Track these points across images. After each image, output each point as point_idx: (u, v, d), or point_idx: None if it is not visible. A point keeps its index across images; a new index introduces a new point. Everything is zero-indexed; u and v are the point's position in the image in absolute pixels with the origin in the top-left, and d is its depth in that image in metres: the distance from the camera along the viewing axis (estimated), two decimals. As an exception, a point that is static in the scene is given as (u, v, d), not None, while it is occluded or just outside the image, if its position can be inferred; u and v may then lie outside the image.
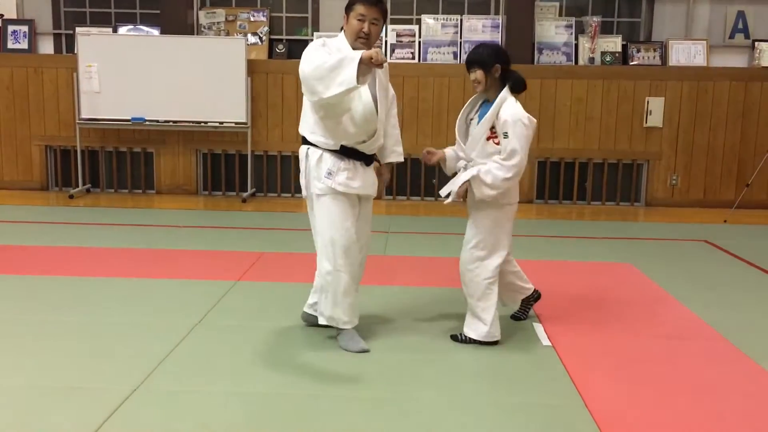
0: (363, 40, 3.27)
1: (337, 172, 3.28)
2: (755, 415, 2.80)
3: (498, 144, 3.33)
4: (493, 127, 3.35)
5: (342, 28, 3.38)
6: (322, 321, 3.45)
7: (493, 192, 3.32)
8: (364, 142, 3.31)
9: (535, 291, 3.83)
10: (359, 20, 3.26)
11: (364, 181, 3.37)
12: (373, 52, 2.98)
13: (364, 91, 3.22)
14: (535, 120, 3.42)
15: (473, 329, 3.47)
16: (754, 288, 4.66)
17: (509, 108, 3.32)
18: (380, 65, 3.00)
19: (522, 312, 3.86)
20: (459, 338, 3.51)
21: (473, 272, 3.43)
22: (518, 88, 3.37)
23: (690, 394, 2.97)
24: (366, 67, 2.99)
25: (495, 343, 3.47)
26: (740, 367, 3.29)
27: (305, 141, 3.37)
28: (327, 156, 3.30)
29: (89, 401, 2.80)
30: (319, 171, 3.30)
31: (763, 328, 3.85)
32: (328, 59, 3.04)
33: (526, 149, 3.31)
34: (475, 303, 3.44)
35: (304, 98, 3.32)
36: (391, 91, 3.59)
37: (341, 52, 3.17)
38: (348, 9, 3.33)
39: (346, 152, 3.30)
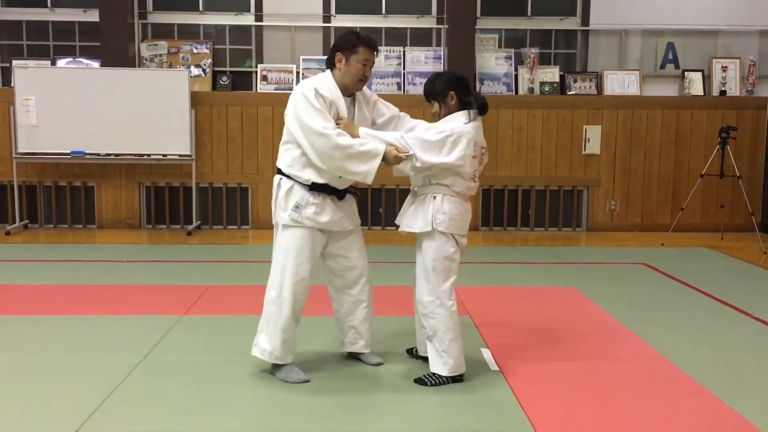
0: (362, 82, 3.39)
1: (305, 206, 3.30)
2: (696, 433, 2.88)
3: None
4: None
5: (330, 66, 3.39)
6: (255, 352, 3.42)
7: (413, 159, 3.24)
8: (340, 177, 3.33)
9: None
10: (363, 64, 3.34)
11: (333, 215, 3.37)
12: (394, 154, 3.21)
13: None
14: (475, 142, 3.32)
15: (440, 365, 3.33)
16: (691, 308, 4.81)
17: (452, 123, 3.32)
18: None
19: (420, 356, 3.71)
20: (427, 381, 3.35)
21: (433, 304, 3.31)
22: (481, 111, 3.35)
23: (635, 414, 3.04)
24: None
25: (461, 377, 3.36)
26: (681, 386, 3.38)
27: (279, 171, 3.40)
28: (297, 188, 3.32)
29: (28, 445, 2.70)
30: (287, 202, 3.32)
31: (701, 347, 3.97)
32: (353, 145, 3.19)
33: (444, 148, 3.25)
34: (441, 336, 3.31)
35: (285, 132, 3.37)
36: (389, 112, 3.57)
37: (360, 134, 3.28)
38: (350, 52, 3.33)
39: (316, 187, 3.33)
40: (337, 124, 3.27)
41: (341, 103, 3.34)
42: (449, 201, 3.32)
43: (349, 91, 3.39)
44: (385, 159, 3.22)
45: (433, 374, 3.36)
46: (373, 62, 3.40)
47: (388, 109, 3.58)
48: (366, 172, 3.21)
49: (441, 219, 3.30)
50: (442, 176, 3.31)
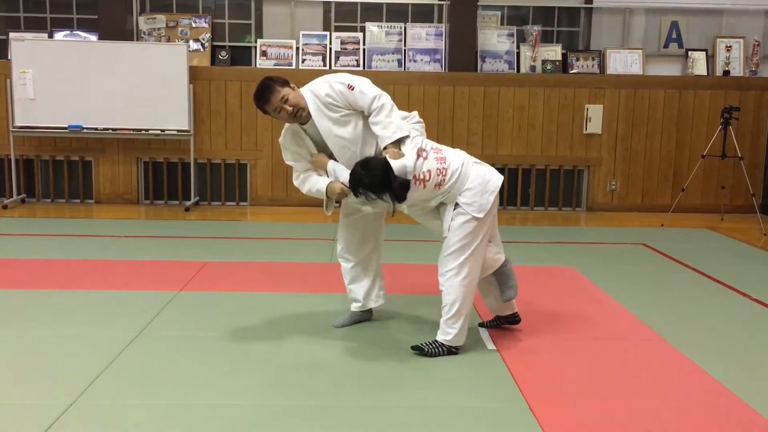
0: (295, 116, 3.41)
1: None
2: (692, 413, 2.88)
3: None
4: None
5: None
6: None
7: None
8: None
9: (515, 315, 3.76)
10: (278, 113, 3.41)
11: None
12: (338, 190, 3.37)
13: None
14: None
15: (442, 334, 3.40)
16: (689, 288, 4.80)
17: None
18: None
19: (491, 322, 3.82)
20: (425, 348, 3.40)
21: (445, 276, 3.36)
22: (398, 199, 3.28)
23: (630, 393, 3.04)
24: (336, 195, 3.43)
25: (457, 349, 3.42)
26: (677, 365, 3.38)
27: None
28: None
29: (22, 418, 2.70)
30: None
31: (698, 327, 3.97)
32: (310, 189, 3.50)
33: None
34: (449, 306, 3.37)
35: None
36: (362, 102, 3.38)
37: (311, 168, 3.53)
38: (264, 112, 3.49)
39: None
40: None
41: (303, 135, 3.50)
42: (465, 198, 3.31)
43: (303, 122, 3.46)
44: (330, 194, 3.43)
45: (434, 341, 3.42)
46: (280, 99, 3.35)
47: (358, 103, 3.40)
48: (324, 206, 3.55)
49: (475, 208, 3.30)
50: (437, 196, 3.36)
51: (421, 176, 3.28)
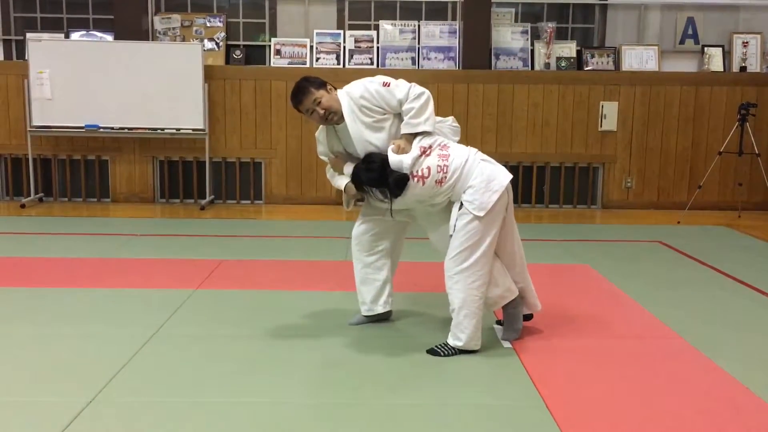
0: (327, 119, 3.44)
1: None
2: (711, 412, 2.86)
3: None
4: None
5: None
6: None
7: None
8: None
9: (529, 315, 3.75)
10: (309, 115, 3.44)
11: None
12: (354, 191, 3.48)
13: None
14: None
15: (452, 338, 3.39)
16: (706, 286, 4.77)
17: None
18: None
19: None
20: (440, 352, 3.38)
21: (453, 279, 3.34)
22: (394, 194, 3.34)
23: (647, 391, 3.02)
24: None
25: (474, 351, 3.40)
26: (695, 364, 3.36)
27: None
28: None
29: (41, 416, 2.73)
30: None
31: (716, 325, 3.94)
32: (335, 183, 3.63)
33: None
34: (457, 310, 3.35)
35: None
36: (398, 93, 3.38)
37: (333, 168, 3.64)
38: (297, 111, 3.54)
39: None
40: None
41: (332, 134, 3.56)
42: (467, 195, 3.29)
43: (336, 124, 3.50)
44: (347, 191, 3.53)
45: (446, 344, 3.40)
46: (312, 102, 3.37)
47: (394, 97, 3.39)
48: (345, 204, 3.69)
49: (476, 206, 3.26)
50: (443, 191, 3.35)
51: (420, 173, 3.28)
